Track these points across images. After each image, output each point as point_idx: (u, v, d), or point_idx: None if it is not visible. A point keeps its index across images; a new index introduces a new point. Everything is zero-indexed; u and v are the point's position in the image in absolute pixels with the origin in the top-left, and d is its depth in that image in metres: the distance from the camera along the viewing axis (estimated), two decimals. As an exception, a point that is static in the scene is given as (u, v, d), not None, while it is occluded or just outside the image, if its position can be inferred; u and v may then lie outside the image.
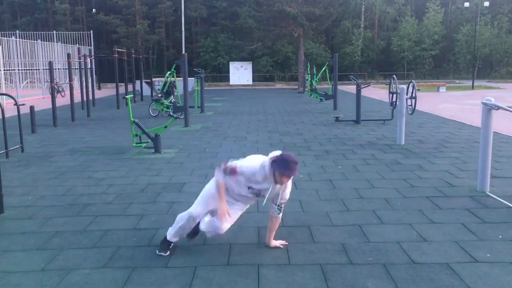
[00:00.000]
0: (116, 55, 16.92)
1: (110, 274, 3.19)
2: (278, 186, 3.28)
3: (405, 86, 8.71)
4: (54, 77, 13.47)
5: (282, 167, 3.14)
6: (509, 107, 4.92)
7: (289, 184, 3.40)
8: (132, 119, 7.70)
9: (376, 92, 22.68)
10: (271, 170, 3.18)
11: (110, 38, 40.15)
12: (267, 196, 3.32)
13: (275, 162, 3.18)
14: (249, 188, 3.32)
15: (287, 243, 3.63)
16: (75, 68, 20.82)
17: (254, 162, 3.30)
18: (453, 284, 2.99)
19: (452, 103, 16.90)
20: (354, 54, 40.18)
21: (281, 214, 3.50)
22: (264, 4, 28.74)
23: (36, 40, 24.45)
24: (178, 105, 12.78)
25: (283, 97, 21.01)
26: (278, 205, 3.43)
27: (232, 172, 3.29)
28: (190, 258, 3.43)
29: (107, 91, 26.89)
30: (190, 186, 5.47)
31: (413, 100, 9.20)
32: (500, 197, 4.81)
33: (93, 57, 23.29)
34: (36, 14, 40.49)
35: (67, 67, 15.69)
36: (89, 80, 16.38)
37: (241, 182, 3.32)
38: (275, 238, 3.63)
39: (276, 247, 3.57)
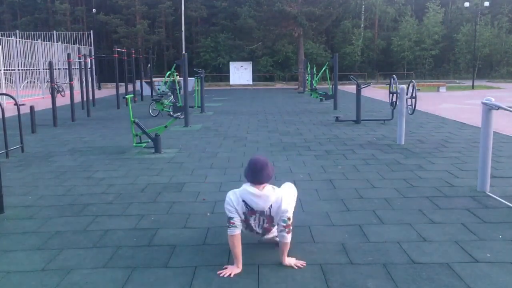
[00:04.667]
0: (116, 55, 16.93)
1: (110, 274, 3.18)
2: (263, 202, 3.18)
3: (405, 86, 8.71)
4: (54, 77, 13.47)
5: (251, 177, 3.18)
6: (509, 107, 4.92)
7: (285, 193, 3.33)
8: (132, 119, 7.70)
9: (376, 92, 22.68)
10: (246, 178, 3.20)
11: (110, 38, 40.16)
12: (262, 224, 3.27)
13: (246, 174, 3.21)
14: (246, 223, 3.26)
15: (305, 263, 3.29)
16: (75, 68, 20.84)
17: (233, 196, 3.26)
18: (453, 284, 2.98)
19: (452, 103, 16.89)
20: (354, 54, 40.20)
21: (288, 236, 3.24)
22: (264, 4, 28.73)
23: (36, 40, 24.47)
24: (178, 105, 12.79)
25: (283, 97, 21.01)
26: (282, 220, 3.23)
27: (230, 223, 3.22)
28: (190, 258, 3.43)
29: (107, 91, 26.89)
30: (190, 186, 5.47)
31: (413, 100, 9.19)
32: (500, 197, 4.81)
33: (93, 57, 23.29)
34: (36, 14, 40.50)
35: (67, 67, 15.68)
36: (89, 80, 16.38)
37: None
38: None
39: (290, 266, 3.26)
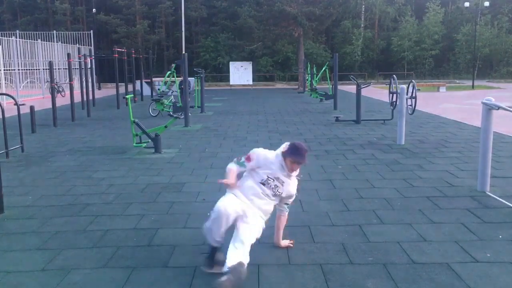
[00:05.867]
0: (116, 55, 16.93)
1: (110, 274, 3.19)
2: (289, 180, 3.36)
3: (405, 86, 8.71)
4: (54, 77, 13.47)
5: (293, 154, 3.27)
6: (509, 107, 4.92)
7: (296, 187, 3.48)
8: (132, 119, 7.70)
9: (376, 92, 22.68)
10: (283, 157, 3.30)
11: (110, 38, 40.16)
12: (283, 194, 3.37)
13: (286, 150, 3.31)
14: (264, 181, 3.28)
15: (293, 241, 3.65)
16: (75, 68, 20.82)
17: (269, 151, 3.42)
18: (453, 284, 2.98)
19: (452, 103, 16.89)
20: (354, 54, 40.20)
21: (287, 211, 3.56)
22: (264, 4, 28.73)
23: (36, 40, 24.46)
24: (178, 105, 12.79)
25: (283, 97, 21.01)
26: (286, 204, 3.51)
27: (247, 158, 3.36)
28: (190, 258, 3.43)
29: (107, 91, 26.89)
30: (190, 186, 5.47)
31: (413, 100, 9.20)
32: (500, 197, 4.81)
33: (93, 57, 23.28)
34: (36, 14, 40.49)
35: (67, 67, 15.68)
36: (89, 80, 16.38)
37: (256, 173, 3.33)
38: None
39: (286, 246, 3.59)
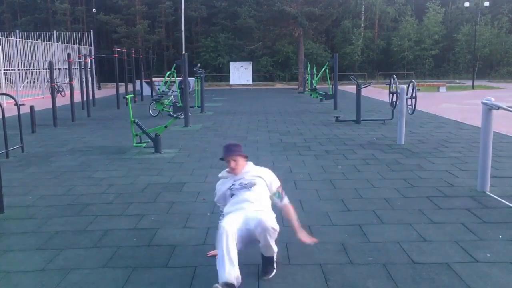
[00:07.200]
0: (116, 55, 16.93)
1: (110, 274, 3.18)
2: (245, 176, 3.32)
3: (405, 86, 8.71)
4: (54, 77, 13.47)
5: (223, 152, 3.34)
6: (509, 107, 4.92)
7: (265, 171, 3.43)
8: (132, 119, 7.70)
9: (376, 92, 22.68)
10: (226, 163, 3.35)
11: (110, 38, 40.18)
12: (253, 180, 3.30)
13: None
14: (233, 193, 3.30)
15: (317, 240, 3.50)
16: (75, 68, 20.84)
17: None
18: (453, 284, 2.98)
19: (452, 103, 16.89)
20: (354, 54, 40.23)
21: (286, 200, 3.42)
22: (264, 4, 28.74)
23: (36, 40, 24.46)
24: (178, 105, 12.79)
25: (283, 97, 21.01)
26: (276, 193, 3.38)
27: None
28: (190, 258, 3.43)
29: (107, 91, 26.89)
30: (190, 186, 5.47)
31: (413, 100, 9.20)
32: (500, 197, 4.81)
33: (93, 57, 23.29)
34: (36, 14, 40.54)
35: (67, 67, 15.69)
36: (89, 80, 16.38)
37: (226, 200, 3.38)
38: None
39: (310, 241, 3.36)
